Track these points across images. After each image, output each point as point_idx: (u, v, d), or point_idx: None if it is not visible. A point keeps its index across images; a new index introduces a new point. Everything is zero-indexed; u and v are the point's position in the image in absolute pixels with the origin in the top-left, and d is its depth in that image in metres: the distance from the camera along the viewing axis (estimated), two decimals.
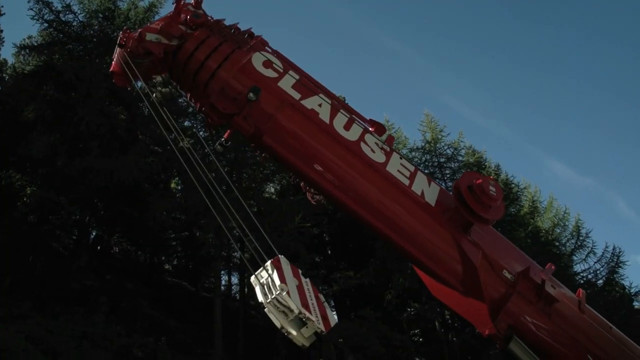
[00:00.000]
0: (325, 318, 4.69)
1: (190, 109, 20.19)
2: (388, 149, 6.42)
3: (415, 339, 25.84)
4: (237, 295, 27.62)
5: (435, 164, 25.27)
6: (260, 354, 20.78)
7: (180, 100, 18.34)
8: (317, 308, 4.67)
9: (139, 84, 6.56)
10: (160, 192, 22.58)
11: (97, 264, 23.03)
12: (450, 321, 25.07)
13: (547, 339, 6.81)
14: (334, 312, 26.81)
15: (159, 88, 6.51)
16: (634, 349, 7.70)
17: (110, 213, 22.85)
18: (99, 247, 25.50)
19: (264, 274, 4.67)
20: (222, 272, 25.60)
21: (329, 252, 27.27)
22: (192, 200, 19.40)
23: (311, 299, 4.67)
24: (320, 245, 25.49)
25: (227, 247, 22.49)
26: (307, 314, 4.51)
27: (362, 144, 6.24)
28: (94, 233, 24.96)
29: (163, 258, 29.32)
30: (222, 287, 27.01)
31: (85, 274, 20.94)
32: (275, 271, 4.60)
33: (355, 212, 5.95)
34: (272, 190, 25.90)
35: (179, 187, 25.63)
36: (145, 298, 21.55)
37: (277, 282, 4.50)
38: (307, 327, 4.59)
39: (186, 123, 22.17)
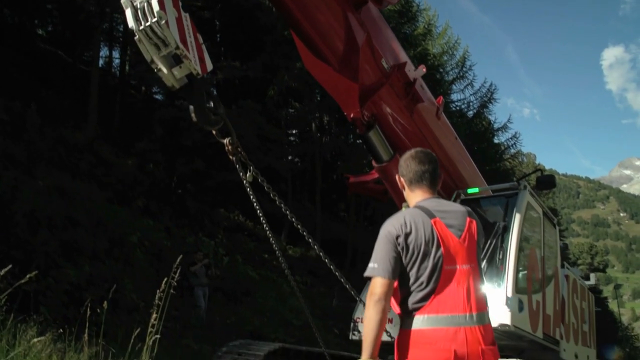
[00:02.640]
0: (202, 60, 4.17)
1: None
2: None
3: (292, 139, 26.70)
4: (117, 72, 26.40)
5: None
6: (135, 132, 20.52)
7: None
8: (195, 48, 4.11)
9: None
10: None
11: None
12: (327, 126, 25.98)
13: (401, 135, 7.19)
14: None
15: None
16: (467, 160, 8.47)
17: None
18: None
19: None
20: (103, 44, 24.05)
21: (218, 39, 26.25)
22: None
23: (190, 37, 4.08)
24: (210, 31, 24.34)
25: (109, 18, 20.94)
26: (185, 51, 3.95)
27: None
28: None
29: (36, 22, 26.70)
30: (102, 62, 25.64)
31: None
32: None
33: None
34: None
35: None
36: (13, 64, 19.90)
37: (156, 7, 3.77)
38: (180, 67, 4.04)
39: None
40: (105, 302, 4.40)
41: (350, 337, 8.85)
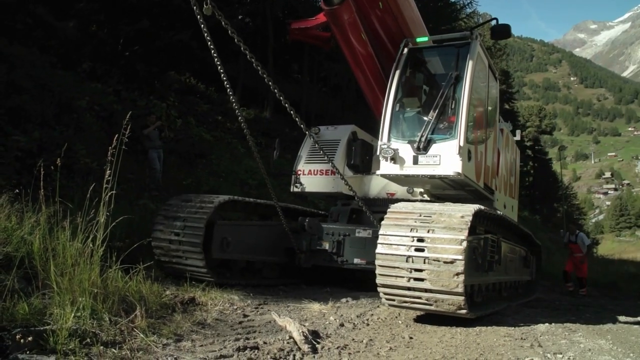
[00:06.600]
0: None
1: None
2: None
3: None
4: None
5: None
6: None
7: None
8: None
9: None
10: None
11: None
12: None
13: None
14: None
15: None
16: (415, 9, 8.39)
17: None
18: None
19: None
20: None
21: None
22: None
23: None
24: None
25: None
26: None
27: None
28: None
29: None
30: None
31: None
32: None
33: None
34: None
35: None
36: None
37: None
38: None
39: None
40: (59, 160, 4.41)
41: (291, 190, 9.17)
